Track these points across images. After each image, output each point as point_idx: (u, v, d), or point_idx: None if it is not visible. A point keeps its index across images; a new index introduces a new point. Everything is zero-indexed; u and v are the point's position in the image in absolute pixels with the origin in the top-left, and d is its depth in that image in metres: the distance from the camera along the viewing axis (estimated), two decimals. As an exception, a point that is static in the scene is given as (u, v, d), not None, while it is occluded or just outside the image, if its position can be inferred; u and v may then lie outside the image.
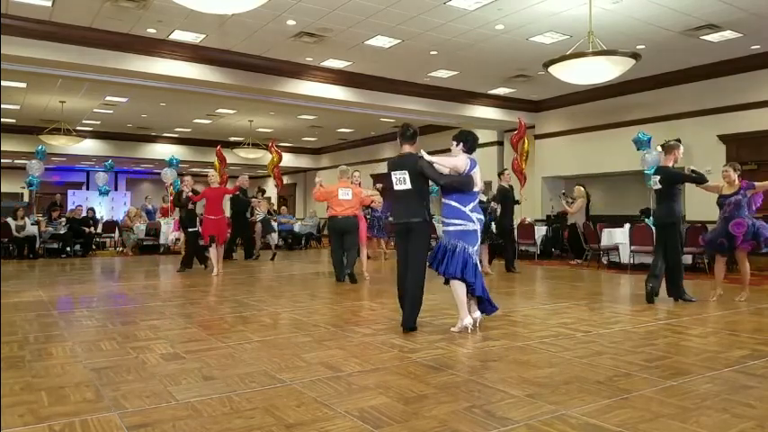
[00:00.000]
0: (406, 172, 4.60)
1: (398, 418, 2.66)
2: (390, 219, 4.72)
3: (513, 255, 9.99)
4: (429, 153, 4.65)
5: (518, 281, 8.45)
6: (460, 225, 4.61)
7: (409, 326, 4.57)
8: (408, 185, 4.61)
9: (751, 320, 5.23)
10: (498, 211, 9.52)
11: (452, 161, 4.65)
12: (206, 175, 10.58)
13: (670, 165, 6.41)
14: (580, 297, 6.73)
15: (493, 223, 9.62)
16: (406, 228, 4.67)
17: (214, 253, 8.96)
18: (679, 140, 7.06)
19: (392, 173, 4.67)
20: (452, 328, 4.60)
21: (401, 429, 2.54)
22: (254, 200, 12.30)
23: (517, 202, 10.36)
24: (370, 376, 3.35)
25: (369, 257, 9.36)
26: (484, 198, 8.68)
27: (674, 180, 6.30)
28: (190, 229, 9.51)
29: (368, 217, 10.69)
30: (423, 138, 21.65)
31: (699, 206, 11.18)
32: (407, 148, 4.74)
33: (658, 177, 6.38)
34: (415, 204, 4.65)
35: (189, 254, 9.67)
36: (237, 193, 11.29)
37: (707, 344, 4.26)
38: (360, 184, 8.82)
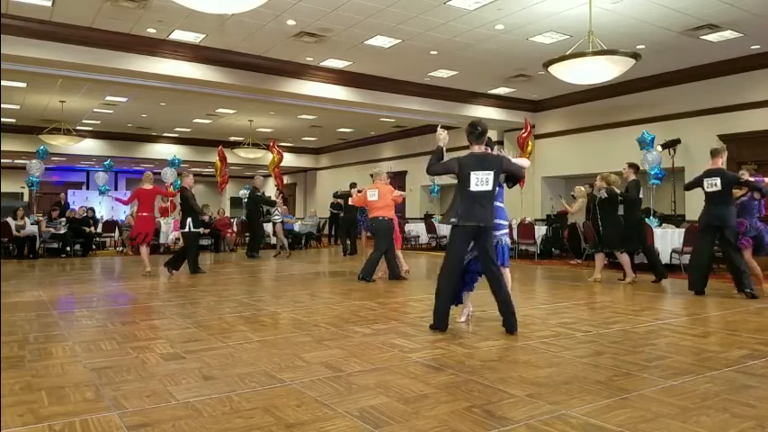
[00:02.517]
0: (491, 172, 4.44)
1: (398, 417, 2.66)
2: (454, 220, 4.44)
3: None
4: (429, 153, 4.68)
5: (518, 281, 8.44)
6: (505, 224, 4.96)
7: (514, 327, 4.48)
8: (489, 186, 4.45)
9: (751, 320, 5.23)
10: None
11: (523, 161, 4.94)
12: (206, 175, 10.60)
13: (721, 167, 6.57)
14: (580, 297, 6.73)
15: None
16: (478, 230, 4.46)
17: (144, 251, 8.96)
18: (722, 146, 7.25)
19: (471, 173, 4.41)
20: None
21: (401, 429, 2.53)
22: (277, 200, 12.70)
23: None
24: (370, 376, 3.35)
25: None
26: None
27: (734, 183, 6.46)
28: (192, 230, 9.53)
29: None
30: (423, 138, 21.79)
31: (699, 206, 11.21)
32: (477, 148, 4.57)
33: (717, 179, 6.42)
34: (492, 207, 4.54)
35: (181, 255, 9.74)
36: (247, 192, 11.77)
37: (707, 344, 4.26)
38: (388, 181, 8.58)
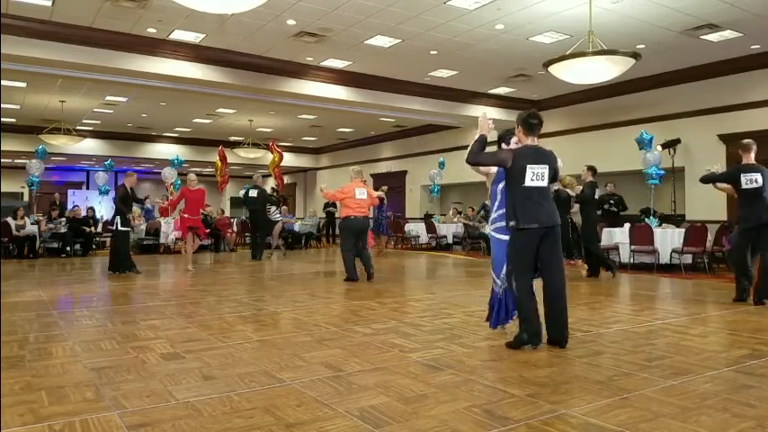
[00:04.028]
0: (547, 167, 4.00)
1: (398, 417, 2.66)
2: (513, 223, 3.95)
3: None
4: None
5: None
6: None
7: (565, 339, 4.02)
8: (545, 182, 4.00)
9: (751, 320, 5.23)
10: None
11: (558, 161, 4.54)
12: (206, 175, 10.73)
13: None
14: (580, 297, 6.73)
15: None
16: (545, 232, 3.97)
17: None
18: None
19: (528, 165, 3.93)
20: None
21: (401, 429, 2.53)
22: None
23: None
24: (370, 376, 3.35)
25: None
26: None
27: None
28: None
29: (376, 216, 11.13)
30: (423, 137, 21.76)
31: (700, 206, 11.22)
32: (531, 140, 4.09)
33: (757, 175, 5.95)
34: (551, 204, 4.08)
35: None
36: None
37: (707, 343, 4.26)
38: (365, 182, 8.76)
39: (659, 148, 11.12)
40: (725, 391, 3.08)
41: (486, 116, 4.21)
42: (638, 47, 9.31)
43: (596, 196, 8.59)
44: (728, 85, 10.94)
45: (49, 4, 8.27)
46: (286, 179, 24.13)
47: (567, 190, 8.26)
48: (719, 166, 7.66)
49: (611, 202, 11.30)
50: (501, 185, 4.33)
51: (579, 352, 3.94)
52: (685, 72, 11.42)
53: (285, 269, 10.00)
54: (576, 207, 8.75)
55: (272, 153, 15.24)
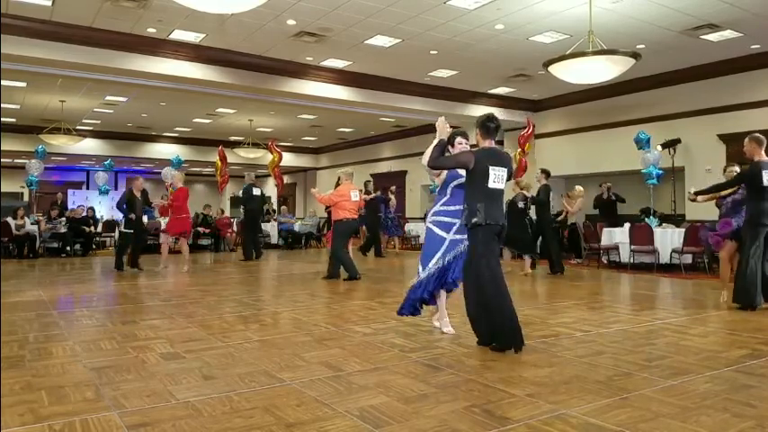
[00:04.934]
0: (506, 170, 4.14)
1: (398, 417, 2.66)
2: (477, 220, 3.98)
3: None
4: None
5: (518, 280, 8.44)
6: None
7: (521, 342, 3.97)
8: (503, 185, 4.15)
9: (751, 320, 5.23)
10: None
11: None
12: (206, 175, 10.78)
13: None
14: (580, 297, 6.73)
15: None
16: (500, 230, 4.10)
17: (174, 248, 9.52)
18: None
19: (490, 167, 4.04)
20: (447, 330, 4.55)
21: (401, 429, 2.53)
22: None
23: None
24: (370, 376, 3.35)
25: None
26: None
27: None
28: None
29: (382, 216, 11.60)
30: (424, 137, 21.75)
31: (700, 205, 11.20)
32: (489, 143, 4.22)
33: None
34: (503, 207, 4.24)
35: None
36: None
37: (707, 343, 4.26)
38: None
39: (659, 147, 11.12)
40: (725, 391, 3.08)
41: (444, 121, 4.35)
42: (638, 47, 9.31)
43: (550, 198, 9.24)
44: (728, 85, 10.94)
45: (49, 3, 8.27)
46: (286, 179, 24.13)
47: (524, 192, 8.92)
48: (710, 167, 7.59)
49: (610, 194, 11.58)
50: (453, 185, 4.45)
51: (579, 351, 3.94)
52: (685, 72, 11.42)
53: (285, 269, 10.00)
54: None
55: (272, 153, 15.23)
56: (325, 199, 8.20)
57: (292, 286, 7.60)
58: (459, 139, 4.45)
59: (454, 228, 4.39)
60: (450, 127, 4.42)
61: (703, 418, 2.66)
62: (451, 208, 4.42)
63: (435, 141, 4.19)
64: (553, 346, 4.13)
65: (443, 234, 4.41)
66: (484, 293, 3.99)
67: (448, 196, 4.49)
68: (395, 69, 11.74)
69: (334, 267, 8.22)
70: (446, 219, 4.44)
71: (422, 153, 4.57)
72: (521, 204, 8.91)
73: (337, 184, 8.80)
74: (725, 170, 6.80)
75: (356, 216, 8.20)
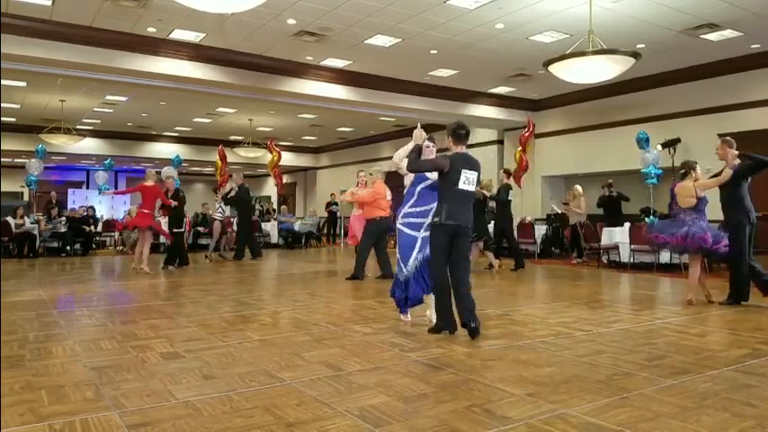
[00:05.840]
0: (476, 173, 4.50)
1: (398, 416, 2.66)
2: (437, 219, 4.38)
3: None
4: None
5: (518, 280, 8.45)
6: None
7: (476, 326, 4.28)
8: (473, 187, 4.48)
9: (751, 319, 5.23)
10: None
11: None
12: (206, 174, 10.78)
13: None
14: (580, 296, 6.74)
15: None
16: (458, 230, 4.40)
17: (139, 249, 9.47)
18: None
19: (462, 170, 4.38)
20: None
21: (401, 428, 2.53)
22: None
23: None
24: (370, 375, 3.35)
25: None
26: None
27: None
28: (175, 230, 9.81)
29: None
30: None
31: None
32: (461, 149, 4.55)
33: None
34: (471, 210, 4.54)
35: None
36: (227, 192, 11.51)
37: (707, 343, 4.26)
38: (366, 184, 8.55)
39: (659, 147, 11.11)
40: (725, 390, 3.08)
41: (421, 128, 4.80)
42: (637, 46, 9.30)
43: (510, 197, 9.75)
44: (728, 85, 10.94)
45: (49, 3, 8.27)
46: (286, 179, 24.13)
47: (484, 191, 9.10)
48: (710, 168, 7.62)
49: (612, 190, 11.70)
50: (420, 187, 4.79)
51: (579, 351, 3.94)
52: (685, 72, 11.42)
53: (285, 269, 10.00)
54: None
55: (271, 152, 15.22)
56: (359, 197, 7.96)
57: (292, 286, 7.60)
58: (427, 143, 4.74)
59: (423, 226, 4.72)
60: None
61: (703, 418, 2.66)
62: (419, 209, 4.77)
63: (411, 146, 4.64)
64: (553, 345, 4.13)
65: (414, 233, 4.77)
66: (435, 282, 4.51)
67: (416, 197, 4.83)
68: (395, 69, 11.73)
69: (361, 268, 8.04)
70: (415, 219, 4.80)
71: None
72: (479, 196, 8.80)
73: (357, 184, 8.60)
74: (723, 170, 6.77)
75: (389, 215, 7.97)
